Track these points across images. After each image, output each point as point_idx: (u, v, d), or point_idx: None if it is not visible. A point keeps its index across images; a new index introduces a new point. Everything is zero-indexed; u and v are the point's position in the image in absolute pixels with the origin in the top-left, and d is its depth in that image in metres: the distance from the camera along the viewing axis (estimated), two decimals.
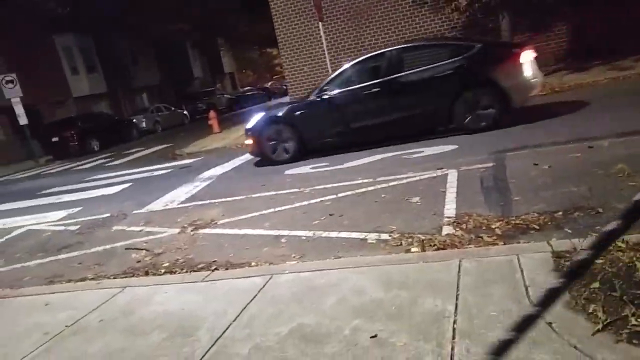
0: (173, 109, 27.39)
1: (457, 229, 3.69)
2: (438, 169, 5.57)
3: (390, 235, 3.84)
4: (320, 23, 12.51)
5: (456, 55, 7.29)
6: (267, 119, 8.28)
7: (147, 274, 4.04)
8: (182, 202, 6.63)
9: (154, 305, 3.19)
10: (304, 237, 4.22)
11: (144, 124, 24.27)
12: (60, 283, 4.26)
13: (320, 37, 12.71)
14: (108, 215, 6.64)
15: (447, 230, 3.73)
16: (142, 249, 4.76)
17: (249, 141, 8.42)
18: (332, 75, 8.12)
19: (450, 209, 4.19)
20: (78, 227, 6.36)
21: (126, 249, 4.92)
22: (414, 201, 4.63)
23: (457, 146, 6.68)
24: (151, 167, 10.65)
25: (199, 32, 33.42)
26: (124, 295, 3.48)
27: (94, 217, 6.70)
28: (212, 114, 16.75)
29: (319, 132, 7.94)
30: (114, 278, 4.09)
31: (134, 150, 16.52)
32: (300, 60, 14.68)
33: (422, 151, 6.77)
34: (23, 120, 19.03)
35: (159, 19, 28.55)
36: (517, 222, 3.56)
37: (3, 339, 3.15)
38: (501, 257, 2.87)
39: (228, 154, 10.81)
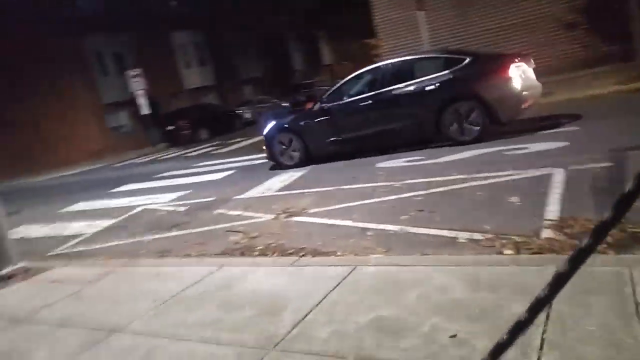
0: (275, 100, 28.51)
1: (559, 233, 3.46)
2: (543, 167, 5.23)
3: (482, 236, 3.71)
4: (419, 12, 12.23)
5: (446, 69, 7.50)
6: (276, 127, 9.00)
7: (242, 254, 4.35)
8: (278, 191, 6.97)
9: (247, 283, 3.43)
10: (390, 231, 4.23)
11: (248, 115, 25.58)
12: (169, 257, 4.74)
13: (420, 26, 12.43)
14: (212, 199, 7.19)
15: (547, 233, 3.51)
16: (239, 232, 5.11)
17: (264, 147, 9.14)
18: (333, 87, 8.68)
19: (553, 211, 3.93)
20: (186, 208, 6.98)
21: (226, 231, 5.31)
22: (513, 201, 4.42)
23: (567, 143, 6.20)
24: (252, 156, 11.25)
25: (300, 24, 34.34)
26: (222, 272, 3.78)
27: (200, 200, 7.30)
28: (309, 105, 17.16)
29: (320, 141, 8.47)
30: (214, 256, 4.45)
31: (237, 139, 17.53)
32: (399, 49, 14.50)
33: (527, 147, 6.39)
34: (145, 110, 21.17)
35: (265, 12, 29.81)
36: (635, 230, 3.21)
37: (122, 302, 3.60)
38: (609, 268, 2.64)
39: None
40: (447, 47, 11.26)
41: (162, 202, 7.84)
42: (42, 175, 20.91)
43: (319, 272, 3.39)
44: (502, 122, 7.33)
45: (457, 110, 7.32)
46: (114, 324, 3.18)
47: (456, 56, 7.77)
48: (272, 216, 5.50)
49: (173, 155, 17.43)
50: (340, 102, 8.39)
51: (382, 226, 4.40)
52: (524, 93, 7.15)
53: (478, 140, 7.23)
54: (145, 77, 21.12)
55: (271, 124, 9.14)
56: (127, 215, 7.34)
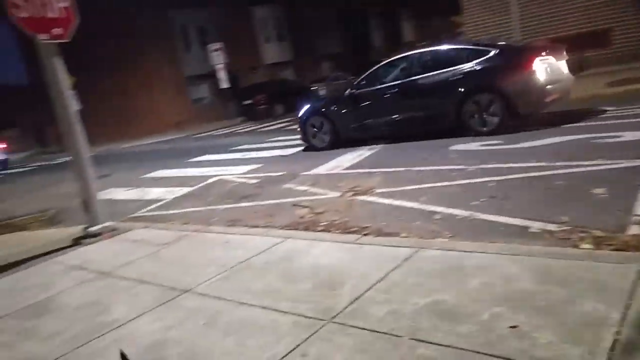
0: (352, 78, 28.28)
1: None
2: (638, 157, 4.78)
3: (558, 227, 3.50)
4: None
5: (472, 60, 7.52)
6: (310, 111, 9.45)
7: (307, 229, 4.43)
8: (346, 169, 6.98)
9: (309, 257, 3.50)
10: (459, 216, 4.11)
11: (322, 92, 25.65)
12: (238, 226, 4.94)
13: (510, 5, 11.67)
14: (282, 173, 7.36)
15: (634, 230, 3.24)
16: (305, 207, 5.20)
17: (299, 129, 9.65)
18: (363, 75, 8.83)
19: None
20: (257, 181, 7.21)
21: (293, 205, 5.43)
22: (597, 192, 4.10)
23: None
24: None
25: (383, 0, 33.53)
26: (286, 245, 3.89)
27: (270, 174, 7.50)
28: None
29: (347, 126, 8.87)
30: (280, 229, 4.57)
31: None
32: (486, 29, 13.75)
33: (621, 136, 5.87)
34: (224, 84, 21.87)
35: None
36: None
37: (193, 265, 3.83)
38: None
39: None
40: (477, 39, 10.82)
41: (235, 173, 8.15)
42: (128, 142, 22.52)
43: (380, 252, 3.38)
44: (521, 114, 7.33)
45: (477, 101, 7.42)
46: (184, 285, 3.40)
47: (483, 48, 7.70)
48: (338, 194, 5.54)
49: (249, 129, 17.99)
50: (369, 89, 8.62)
51: (450, 210, 4.28)
52: (547, 87, 7.11)
53: (494, 132, 7.29)
54: (226, 51, 21.76)
55: (305, 107, 9.56)
56: (202, 184, 7.73)
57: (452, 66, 7.66)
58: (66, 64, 5.08)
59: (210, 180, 7.92)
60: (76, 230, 5.68)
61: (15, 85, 42.22)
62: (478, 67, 7.41)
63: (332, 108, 9.10)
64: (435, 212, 4.31)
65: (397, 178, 5.86)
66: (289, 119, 18.69)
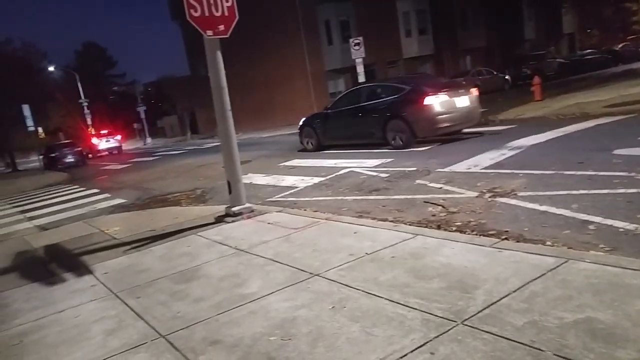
0: (495, 73, 26.57)
1: None
2: None
3: None
4: None
5: (393, 94, 10.33)
6: (303, 121, 12.92)
7: (438, 227, 4.27)
8: (485, 168, 6.57)
9: (440, 256, 3.36)
10: (621, 229, 3.59)
11: None
12: (367, 218, 4.96)
13: None
14: (414, 169, 7.21)
15: None
16: (438, 205, 5.02)
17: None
18: (335, 99, 12.55)
19: None
20: (387, 175, 7.16)
21: (424, 202, 5.28)
22: None
23: None
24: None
25: None
26: (415, 241, 3.79)
27: (401, 169, 7.40)
28: (536, 79, 15.53)
29: (324, 136, 12.08)
30: (409, 225, 4.47)
31: None
32: None
33: None
34: (362, 78, 22.09)
35: None
36: None
37: (322, 250, 3.94)
38: None
39: (546, 124, 9.93)
40: (402, 77, 14.80)
41: (366, 166, 8.20)
42: (268, 132, 24.06)
43: (520, 259, 3.11)
44: (419, 137, 9.83)
45: (393, 124, 10.06)
46: (313, 269, 3.51)
47: (400, 86, 10.45)
48: (476, 194, 5.23)
49: None
50: (335, 110, 11.90)
51: (609, 221, 3.76)
52: (438, 117, 9.55)
53: (404, 147, 9.77)
54: (366, 45, 21.96)
55: (303, 119, 13.01)
56: (333, 175, 7.92)
57: (382, 98, 10.55)
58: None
59: (341, 172, 8.09)
60: (219, 209, 6.23)
61: (178, 77, 48.00)
62: (396, 100, 10.13)
63: (317, 122, 12.39)
64: (589, 222, 3.83)
65: (545, 181, 5.34)
66: None
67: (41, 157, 25.56)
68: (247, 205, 5.83)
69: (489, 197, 5.03)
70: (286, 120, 27.24)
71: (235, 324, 2.80)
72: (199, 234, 5.23)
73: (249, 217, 5.60)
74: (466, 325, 2.34)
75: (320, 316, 2.71)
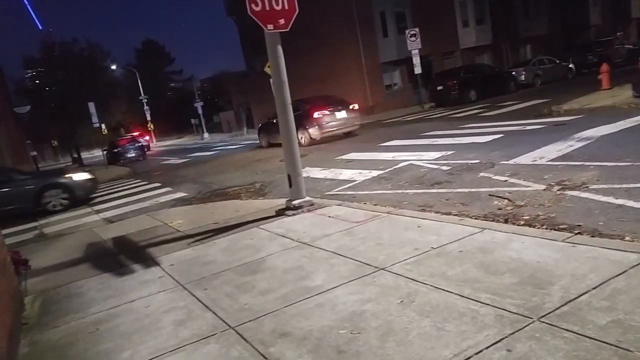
0: (557, 61, 25.19)
1: None
2: None
3: None
4: None
5: (299, 110, 11.53)
6: (259, 127, 18.30)
7: (506, 221, 4.12)
8: (552, 160, 6.25)
9: (510, 251, 3.25)
10: None
11: (522, 77, 23.44)
12: (430, 212, 4.86)
13: None
14: (476, 161, 6.99)
15: None
16: (504, 198, 4.84)
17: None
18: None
19: None
20: (449, 168, 6.98)
21: (489, 195, 5.11)
22: None
23: None
24: (524, 121, 10.37)
25: None
26: (483, 235, 3.68)
27: (463, 162, 7.19)
28: (603, 67, 14.59)
29: (270, 137, 16.78)
30: (475, 218, 4.35)
31: (508, 103, 16.39)
32: None
33: None
34: (418, 69, 21.72)
35: None
36: None
37: (385, 244, 3.92)
38: None
39: (615, 113, 9.32)
40: (307, 97, 16.43)
41: (425, 159, 8.04)
42: None
43: (597, 254, 2.94)
44: (313, 138, 14.77)
45: (300, 130, 13.48)
46: (378, 263, 3.49)
47: (304, 104, 14.92)
48: (543, 187, 5.00)
49: (439, 115, 17.54)
50: (272, 120, 15.59)
51: None
52: (323, 125, 14.63)
53: (307, 145, 14.29)
54: (422, 37, 21.50)
55: (260, 124, 18.19)
56: (392, 168, 7.83)
57: (296, 112, 11.66)
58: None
59: (400, 165, 7.98)
60: (279, 202, 6.33)
61: (234, 72, 49.16)
62: (300, 114, 11.93)
63: (266, 127, 17.36)
64: None
65: (619, 173, 5.02)
66: (483, 105, 17.65)
67: (105, 152, 26.99)
68: (307, 198, 5.89)
69: (558, 190, 4.79)
70: None
71: (303, 316, 2.84)
72: (260, 226, 5.34)
73: (309, 211, 5.65)
74: (543, 322, 2.25)
75: (388, 310, 2.70)
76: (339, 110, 14.97)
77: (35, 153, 29.79)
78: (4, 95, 22.76)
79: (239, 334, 2.78)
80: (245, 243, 4.78)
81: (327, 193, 6.94)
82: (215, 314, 3.13)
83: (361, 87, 27.27)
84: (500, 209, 4.55)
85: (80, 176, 11.38)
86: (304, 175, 7.99)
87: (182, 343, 2.80)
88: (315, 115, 14.58)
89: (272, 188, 8.48)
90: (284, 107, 5.67)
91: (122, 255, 5.24)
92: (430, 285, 2.93)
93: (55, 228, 8.37)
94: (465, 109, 17.50)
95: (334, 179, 7.99)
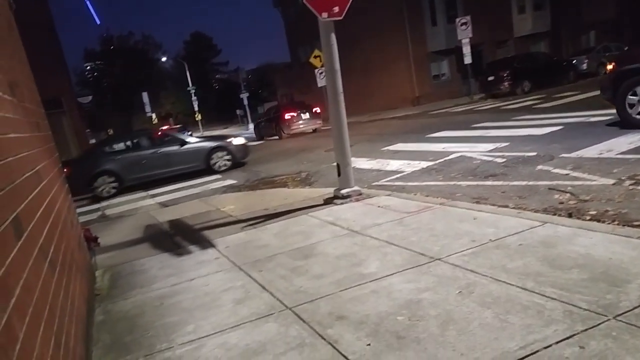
0: (626, 48, 23.69)
1: None
2: None
3: None
4: None
5: (276, 112, 22.61)
6: (254, 124, 28.24)
7: (569, 216, 3.93)
8: (622, 153, 5.88)
9: (576, 246, 3.09)
10: None
11: (584, 66, 22.22)
12: (485, 204, 4.72)
13: None
14: (534, 154, 6.71)
15: None
16: (566, 192, 4.62)
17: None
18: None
19: None
20: (504, 160, 6.75)
21: (549, 188, 4.89)
22: None
23: None
24: (586, 113, 9.83)
25: None
26: (544, 229, 3.52)
27: (519, 154, 6.92)
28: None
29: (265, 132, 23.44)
30: (535, 212, 4.18)
31: (567, 93, 15.62)
32: None
33: None
34: (468, 59, 21.06)
35: None
36: None
37: (440, 235, 3.83)
38: None
39: None
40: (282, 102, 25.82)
41: (478, 151, 7.81)
42: (368, 116, 23.93)
43: None
44: (284, 134, 20.72)
45: (276, 126, 21.53)
46: (433, 253, 3.42)
47: (279, 107, 22.86)
48: (612, 181, 4.73)
49: (489, 106, 17.00)
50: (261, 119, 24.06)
51: None
52: (292, 124, 20.62)
53: (279, 138, 20.82)
54: (473, 25, 20.80)
55: (258, 119, 26.32)
56: (442, 160, 7.66)
57: (275, 113, 21.98)
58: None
59: (451, 156, 7.79)
60: (326, 191, 6.33)
61: (278, 63, 49.53)
62: (276, 115, 21.52)
63: (259, 124, 24.07)
64: None
65: None
66: (538, 96, 16.92)
67: None
68: (356, 188, 5.85)
69: (630, 184, 4.52)
70: (386, 104, 26.91)
71: (358, 301, 2.82)
72: (310, 214, 5.36)
73: (357, 200, 5.62)
74: (620, 321, 2.12)
75: (447, 300, 2.64)
76: (304, 113, 20.76)
77: (94, 141, 31.25)
78: (68, 86, 23.97)
79: (296, 314, 2.81)
80: (295, 229, 4.82)
81: (374, 184, 6.88)
82: (272, 295, 3.18)
83: (407, 77, 26.81)
84: (561, 203, 4.35)
85: (238, 141, 12.87)
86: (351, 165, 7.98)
87: (241, 320, 2.86)
88: (285, 115, 20.59)
89: (318, 177, 8.50)
90: (336, 96, 5.64)
91: (178, 237, 5.41)
92: (490, 277, 2.84)
93: (115, 210, 8.77)
94: (518, 101, 16.86)
95: (381, 170, 7.91)
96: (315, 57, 21.73)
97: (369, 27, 26.97)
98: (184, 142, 12.28)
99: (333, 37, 5.50)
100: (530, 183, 5.26)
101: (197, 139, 13.04)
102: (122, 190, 11.38)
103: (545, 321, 2.23)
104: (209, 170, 12.06)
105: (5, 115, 2.39)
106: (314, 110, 21.03)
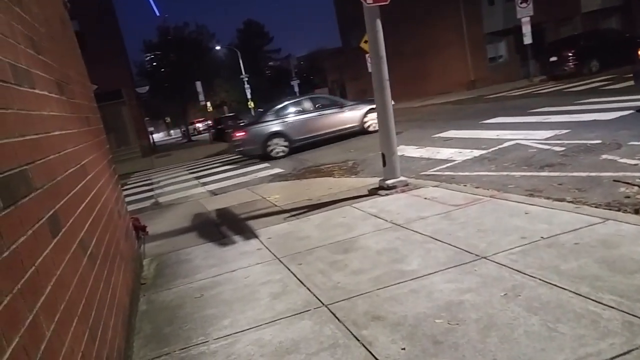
0: None
1: None
2: None
3: None
4: None
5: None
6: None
7: (636, 212, 3.58)
8: None
9: None
10: None
11: None
12: (539, 197, 4.42)
13: None
14: (598, 142, 6.23)
15: None
16: (634, 185, 4.23)
17: None
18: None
19: None
20: (563, 149, 6.31)
21: (614, 180, 4.51)
22: None
23: None
24: None
25: None
26: (605, 227, 3.24)
27: (580, 142, 6.45)
28: None
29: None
30: (595, 207, 3.85)
31: None
32: None
33: None
34: (527, 39, 19.91)
35: None
36: None
37: (488, 231, 3.62)
38: None
39: None
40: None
41: (534, 138, 7.36)
42: (420, 101, 23.31)
43: None
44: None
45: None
46: (479, 251, 3.24)
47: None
48: None
49: (552, 89, 16.01)
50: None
51: None
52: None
53: None
54: (534, 2, 19.57)
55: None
56: (496, 148, 7.28)
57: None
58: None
59: (505, 144, 7.40)
60: (372, 181, 6.20)
61: (329, 49, 49.28)
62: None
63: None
64: None
65: None
66: (607, 77, 15.71)
67: (209, 128, 28.57)
68: (402, 178, 5.69)
69: None
70: (440, 88, 26.07)
71: (396, 301, 2.71)
72: (353, 205, 5.27)
73: (403, 191, 5.46)
74: None
75: (490, 303, 2.48)
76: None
77: (152, 129, 32.64)
78: (128, 77, 25.08)
79: (332, 312, 2.74)
80: (338, 221, 4.75)
81: (423, 173, 6.65)
82: (309, 290, 3.13)
83: (462, 60, 25.80)
84: (628, 197, 3.99)
85: None
86: (398, 153, 7.77)
87: (277, 316, 2.84)
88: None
89: (364, 166, 8.36)
90: (381, 83, 5.46)
91: (224, 226, 5.50)
92: (540, 280, 2.63)
93: (168, 198, 9.07)
94: (584, 82, 15.75)
95: (431, 159, 7.64)
96: (366, 41, 21.36)
97: (422, 8, 26.11)
98: (343, 105, 13.44)
99: (378, 23, 5.32)
100: (592, 174, 4.88)
101: (353, 102, 14.01)
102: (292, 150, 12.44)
103: (601, 333, 2.03)
104: (362, 131, 13.13)
105: (50, 113, 2.46)
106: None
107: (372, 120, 12.89)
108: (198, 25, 54.79)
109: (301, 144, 12.70)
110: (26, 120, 1.97)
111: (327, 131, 13.04)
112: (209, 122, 38.39)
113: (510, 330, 2.19)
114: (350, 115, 13.27)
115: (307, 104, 13.51)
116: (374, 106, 13.59)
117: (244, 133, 12.84)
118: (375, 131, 12.87)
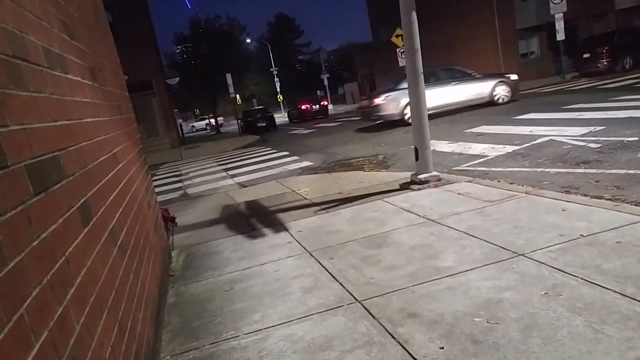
0: None
1: None
2: None
3: None
4: None
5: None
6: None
7: None
8: None
9: None
10: None
11: None
12: (576, 194, 4.31)
13: None
14: (635, 139, 6.04)
15: None
16: None
17: None
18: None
19: None
20: (599, 145, 6.14)
21: None
22: None
23: None
24: None
25: None
26: None
27: (617, 139, 6.27)
28: None
29: None
30: (636, 205, 3.74)
31: None
32: None
33: None
34: (560, 36, 19.40)
35: None
36: None
37: (524, 228, 3.55)
38: None
39: None
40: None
41: (569, 135, 7.18)
42: None
43: None
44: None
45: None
46: (516, 248, 3.18)
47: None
48: None
49: (584, 86, 15.59)
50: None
51: None
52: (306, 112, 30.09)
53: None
54: None
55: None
56: (529, 144, 7.14)
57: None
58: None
59: (538, 140, 7.23)
60: (403, 175, 6.14)
61: (360, 43, 48.95)
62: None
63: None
64: None
65: None
66: None
67: (239, 120, 28.81)
68: (434, 173, 5.62)
69: None
70: None
71: (432, 298, 2.69)
72: (384, 199, 5.23)
73: (435, 186, 5.39)
74: None
75: (530, 302, 2.43)
76: (315, 105, 29.87)
77: (181, 120, 33.12)
78: (159, 68, 25.42)
79: (365, 308, 2.72)
80: (369, 215, 4.72)
81: (455, 168, 6.56)
82: (342, 285, 3.11)
83: (494, 55, 25.31)
84: None
85: (514, 77, 14.57)
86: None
87: (309, 311, 2.82)
88: (303, 107, 29.55)
89: (395, 160, 8.29)
90: (416, 76, 5.40)
91: (253, 219, 5.52)
92: (582, 279, 2.57)
93: (197, 189, 9.19)
94: (617, 79, 15.28)
95: (463, 154, 7.53)
96: (397, 36, 21.06)
97: (454, 2, 25.67)
98: (474, 78, 14.10)
99: (414, 15, 5.25)
100: (630, 172, 4.73)
101: (481, 74, 14.58)
102: None
103: None
104: (491, 102, 13.79)
105: (83, 99, 2.41)
106: (322, 103, 30.95)
107: (502, 92, 13.73)
108: (229, 18, 55.22)
109: (433, 112, 12.21)
110: (59, 105, 1.91)
111: (458, 101, 13.51)
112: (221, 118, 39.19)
113: (553, 331, 2.14)
114: (481, 87, 13.73)
115: (443, 74, 13.97)
116: (503, 79, 14.19)
117: (383, 99, 13.33)
118: (505, 103, 13.77)
